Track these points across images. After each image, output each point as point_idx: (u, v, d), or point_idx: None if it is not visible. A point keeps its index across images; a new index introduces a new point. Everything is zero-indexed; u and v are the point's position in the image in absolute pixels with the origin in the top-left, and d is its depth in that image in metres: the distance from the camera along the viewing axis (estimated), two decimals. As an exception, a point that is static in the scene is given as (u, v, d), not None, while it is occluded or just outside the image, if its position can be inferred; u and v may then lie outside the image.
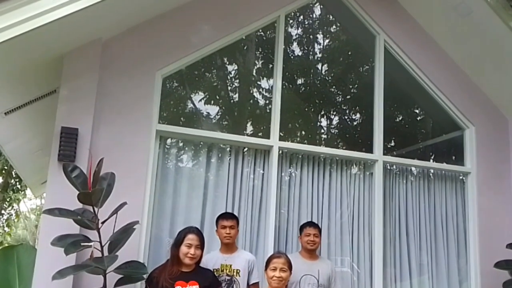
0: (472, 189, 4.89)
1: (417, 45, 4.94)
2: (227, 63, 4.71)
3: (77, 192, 2.97)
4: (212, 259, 3.53)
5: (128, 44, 3.90)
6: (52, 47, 3.52)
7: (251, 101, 4.77)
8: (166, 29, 4.04)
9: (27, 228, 21.29)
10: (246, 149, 4.30)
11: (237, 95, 4.86)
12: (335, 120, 5.17)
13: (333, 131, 5.15)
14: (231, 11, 4.32)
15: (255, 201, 4.20)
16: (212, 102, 4.56)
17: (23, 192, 13.58)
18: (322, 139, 5.08)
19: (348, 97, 5.31)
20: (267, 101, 4.58)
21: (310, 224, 3.87)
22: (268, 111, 4.46)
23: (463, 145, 5.08)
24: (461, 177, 5.02)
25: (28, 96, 4.23)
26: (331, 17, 5.32)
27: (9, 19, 2.78)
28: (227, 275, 3.48)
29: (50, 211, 3.02)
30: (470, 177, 4.93)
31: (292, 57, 4.95)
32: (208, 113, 4.51)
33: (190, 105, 4.55)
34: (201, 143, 4.22)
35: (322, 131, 5.14)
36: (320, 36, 5.25)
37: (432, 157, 5.27)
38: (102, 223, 3.09)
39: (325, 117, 5.16)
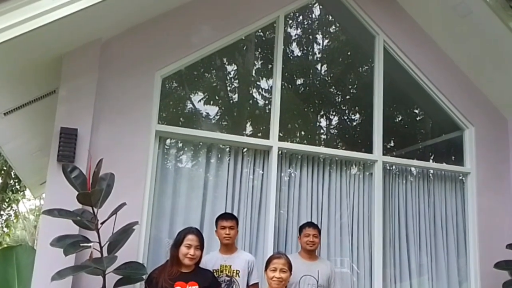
0: (471, 189, 4.89)
1: (417, 46, 4.94)
2: (227, 63, 4.71)
3: (77, 193, 2.97)
4: (212, 259, 3.52)
5: (127, 44, 3.89)
6: (52, 47, 3.52)
7: (251, 101, 4.76)
8: (166, 29, 4.04)
9: (26, 229, 21.24)
10: (245, 149, 4.30)
11: (236, 95, 4.86)
12: (335, 120, 5.17)
13: (332, 132, 5.15)
14: (230, 11, 4.32)
15: (254, 201, 4.20)
16: (212, 102, 4.55)
17: (22, 193, 13.59)
18: (322, 139, 5.08)
19: (347, 97, 5.31)
20: (267, 102, 4.57)
21: (310, 224, 3.86)
22: (267, 111, 4.46)
23: (462, 146, 5.08)
24: (460, 178, 5.02)
25: (28, 97, 4.22)
26: (330, 17, 5.31)
27: (9, 19, 2.77)
28: (227, 275, 3.48)
29: (49, 212, 3.01)
30: (469, 178, 4.93)
31: (291, 58, 4.94)
32: (208, 113, 4.50)
33: (189, 105, 4.55)
34: (201, 143, 4.21)
35: (322, 131, 5.14)
36: (319, 37, 5.25)
37: (432, 158, 5.26)
38: (102, 223, 3.09)
39: (324, 117, 5.15)
